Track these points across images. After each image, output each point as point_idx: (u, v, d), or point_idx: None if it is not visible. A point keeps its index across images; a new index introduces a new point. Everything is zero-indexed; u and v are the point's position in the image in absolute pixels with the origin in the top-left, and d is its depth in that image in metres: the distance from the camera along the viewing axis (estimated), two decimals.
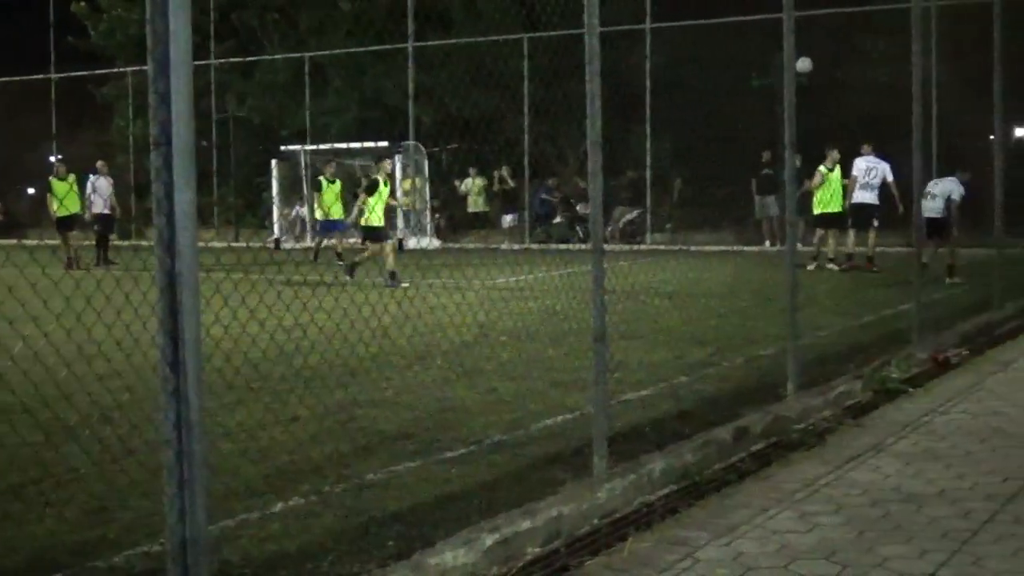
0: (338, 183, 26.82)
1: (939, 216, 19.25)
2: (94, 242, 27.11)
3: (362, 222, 21.32)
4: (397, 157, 31.81)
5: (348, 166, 33.34)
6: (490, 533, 5.59)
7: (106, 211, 27.56)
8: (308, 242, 32.49)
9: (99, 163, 28.52)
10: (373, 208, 20.74)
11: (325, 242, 26.96)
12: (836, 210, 22.37)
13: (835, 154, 22.42)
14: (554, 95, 29.01)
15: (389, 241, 21.09)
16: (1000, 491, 6.85)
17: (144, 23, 4.15)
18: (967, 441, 8.15)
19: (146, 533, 5.72)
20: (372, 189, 20.95)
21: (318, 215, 26.74)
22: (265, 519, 6.06)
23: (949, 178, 19.86)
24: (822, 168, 22.22)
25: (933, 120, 25.58)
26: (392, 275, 19.59)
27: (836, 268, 21.84)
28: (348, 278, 19.32)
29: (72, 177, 27.43)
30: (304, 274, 17.68)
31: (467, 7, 36.11)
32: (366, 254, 20.75)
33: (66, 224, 26.52)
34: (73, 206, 26.84)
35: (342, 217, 25.61)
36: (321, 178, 27.03)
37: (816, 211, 22.42)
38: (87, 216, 27.55)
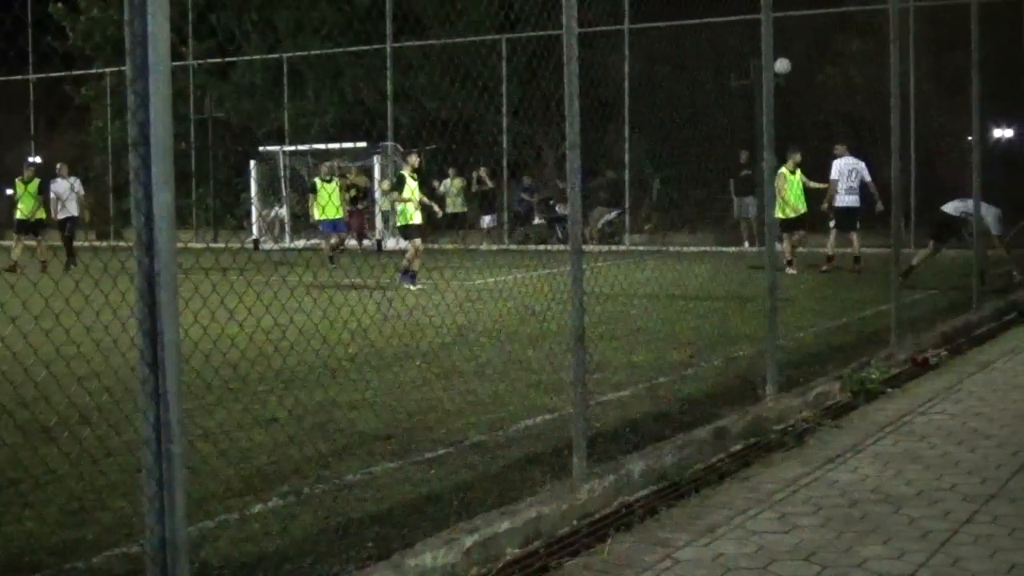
0: (335, 182, 26.71)
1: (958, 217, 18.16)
2: (64, 244, 26.85)
3: (397, 221, 20.95)
4: (375, 157, 31.77)
5: (330, 167, 33.31)
6: (469, 534, 5.59)
7: (76, 213, 27.35)
8: (287, 243, 32.41)
9: (59, 166, 28.10)
10: (404, 205, 20.37)
11: (316, 241, 27.02)
12: (800, 213, 22.31)
13: (796, 156, 22.32)
14: (532, 96, 29.03)
15: (417, 240, 20.29)
16: (979, 492, 6.88)
17: (122, 24, 4.14)
18: (946, 442, 8.18)
19: (125, 534, 5.72)
20: (400, 185, 20.51)
21: (318, 215, 26.31)
22: (244, 520, 6.05)
23: (990, 206, 17.95)
24: (784, 171, 22.08)
25: (911, 121, 25.64)
26: (410, 273, 19.49)
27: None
28: (411, 287, 19.00)
29: (37, 181, 27.17)
30: (283, 274, 17.66)
31: (444, 8, 36.09)
32: (410, 255, 20.07)
33: (29, 227, 26.37)
34: (40, 210, 26.71)
35: (340, 217, 25.69)
36: (316, 179, 26.70)
37: (779, 215, 22.20)
38: (49, 220, 27.27)
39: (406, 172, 20.73)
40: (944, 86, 26.62)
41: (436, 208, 21.79)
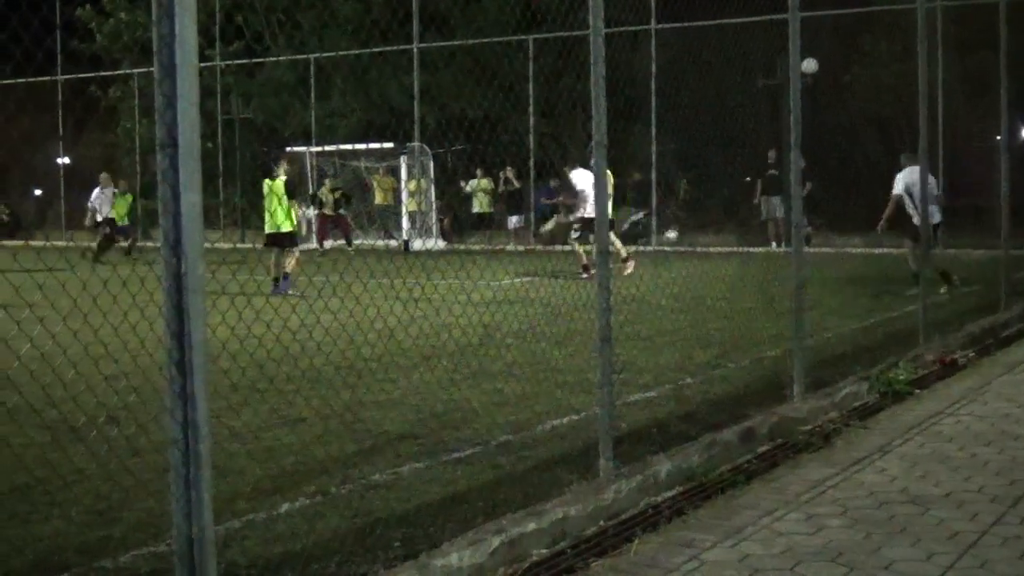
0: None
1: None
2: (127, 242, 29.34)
3: (267, 227, 19.87)
4: (402, 158, 31.80)
5: (355, 167, 33.39)
6: (496, 534, 5.59)
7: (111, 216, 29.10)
8: (313, 243, 32.47)
9: (103, 175, 29.97)
10: (275, 210, 19.46)
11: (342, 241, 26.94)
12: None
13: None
14: (559, 96, 29.05)
15: (295, 249, 19.53)
16: (1007, 493, 6.84)
17: (149, 26, 4.16)
18: (974, 443, 8.15)
19: (152, 533, 5.73)
20: (289, 190, 19.68)
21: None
22: (271, 520, 6.07)
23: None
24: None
25: (939, 121, 25.53)
26: (285, 278, 18.70)
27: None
28: (283, 293, 17.68)
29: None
30: (309, 274, 17.68)
31: (470, 7, 36.14)
32: (292, 263, 19.23)
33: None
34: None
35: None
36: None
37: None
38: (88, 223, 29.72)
39: (280, 174, 19.83)
40: (972, 86, 26.50)
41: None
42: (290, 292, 17.95)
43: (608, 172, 22.31)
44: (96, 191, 29.65)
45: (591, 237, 22.40)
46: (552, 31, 27.89)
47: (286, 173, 20.06)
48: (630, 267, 21.50)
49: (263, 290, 17.82)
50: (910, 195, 17.17)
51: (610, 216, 22.07)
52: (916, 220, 16.59)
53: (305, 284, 17.52)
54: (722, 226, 32.21)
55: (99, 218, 29.48)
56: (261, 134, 39.76)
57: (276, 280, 18.95)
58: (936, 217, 16.96)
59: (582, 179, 22.64)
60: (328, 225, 32.08)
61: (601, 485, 6.53)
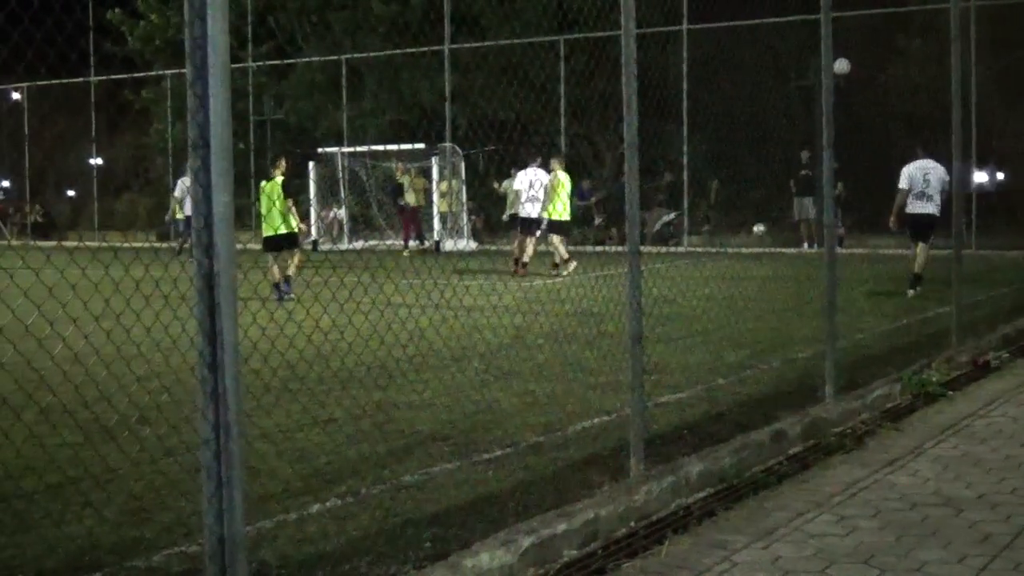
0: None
1: (935, 213, 17.38)
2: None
3: (265, 230, 19.45)
4: (434, 159, 31.83)
5: (386, 168, 33.44)
6: (526, 535, 5.59)
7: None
8: (345, 244, 32.52)
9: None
10: (270, 212, 19.16)
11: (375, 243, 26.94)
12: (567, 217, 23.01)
13: (559, 162, 23.13)
14: (590, 96, 29.01)
15: (295, 251, 19.14)
16: None
17: (182, 27, 4.18)
18: (1008, 445, 8.10)
19: (184, 533, 5.75)
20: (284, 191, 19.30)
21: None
22: (302, 520, 6.08)
23: (934, 162, 17.44)
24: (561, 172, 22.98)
25: (972, 120, 25.37)
26: (280, 284, 18.11)
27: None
28: (285, 297, 17.32)
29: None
30: (341, 275, 17.72)
31: (502, 8, 36.13)
32: (293, 266, 18.79)
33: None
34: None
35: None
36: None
37: (556, 216, 22.84)
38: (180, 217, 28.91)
39: (276, 174, 19.45)
40: (1008, 86, 26.37)
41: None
42: (290, 296, 17.53)
43: (563, 172, 22.68)
44: (180, 182, 28.52)
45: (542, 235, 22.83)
46: (584, 32, 27.84)
47: (283, 174, 19.64)
48: (568, 268, 21.94)
49: (294, 290, 17.85)
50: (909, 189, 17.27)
51: (560, 217, 22.52)
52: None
53: (303, 286, 17.56)
54: (754, 227, 32.09)
55: (185, 214, 27.87)
56: (293, 135, 39.86)
57: (276, 285, 18.20)
58: (931, 209, 17.04)
59: (520, 180, 23.62)
60: (419, 217, 32.12)
61: (632, 486, 6.52)
